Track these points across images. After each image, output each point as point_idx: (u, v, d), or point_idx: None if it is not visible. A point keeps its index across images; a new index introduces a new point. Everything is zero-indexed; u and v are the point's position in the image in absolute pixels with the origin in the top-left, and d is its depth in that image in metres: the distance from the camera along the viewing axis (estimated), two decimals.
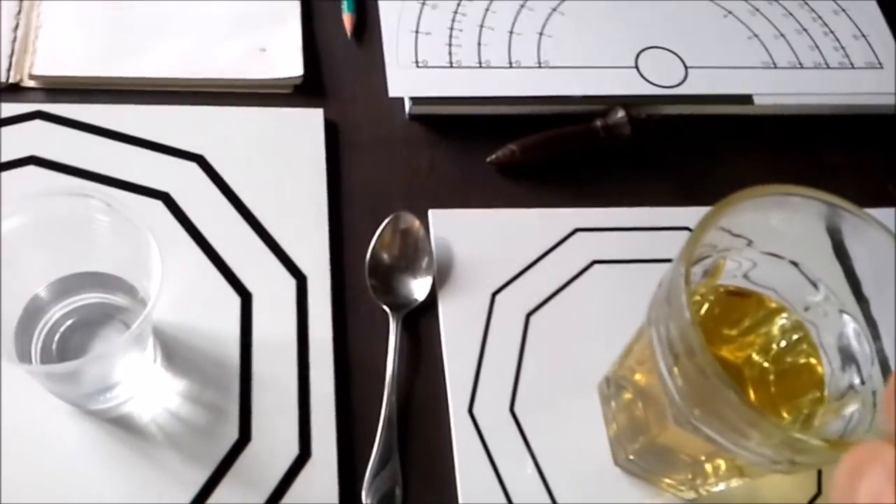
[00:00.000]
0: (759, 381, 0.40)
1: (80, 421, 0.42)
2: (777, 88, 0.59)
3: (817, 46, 0.61)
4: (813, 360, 0.39)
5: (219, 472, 0.42)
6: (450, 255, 0.50)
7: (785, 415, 0.39)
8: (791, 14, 0.63)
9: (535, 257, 0.51)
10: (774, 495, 0.44)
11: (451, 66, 0.56)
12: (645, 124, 0.56)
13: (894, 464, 0.19)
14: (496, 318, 0.48)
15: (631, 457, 0.43)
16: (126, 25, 0.55)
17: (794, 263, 0.39)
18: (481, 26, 0.58)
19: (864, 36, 0.62)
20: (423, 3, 0.59)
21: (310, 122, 0.53)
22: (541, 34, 0.59)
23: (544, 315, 0.49)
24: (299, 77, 0.55)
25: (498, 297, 0.49)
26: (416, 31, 0.58)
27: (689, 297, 0.33)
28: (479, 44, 0.58)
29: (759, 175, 0.56)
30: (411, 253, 0.49)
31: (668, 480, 0.43)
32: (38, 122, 0.51)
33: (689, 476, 0.42)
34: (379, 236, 0.49)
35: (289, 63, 0.55)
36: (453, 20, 0.59)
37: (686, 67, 0.59)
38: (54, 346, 0.42)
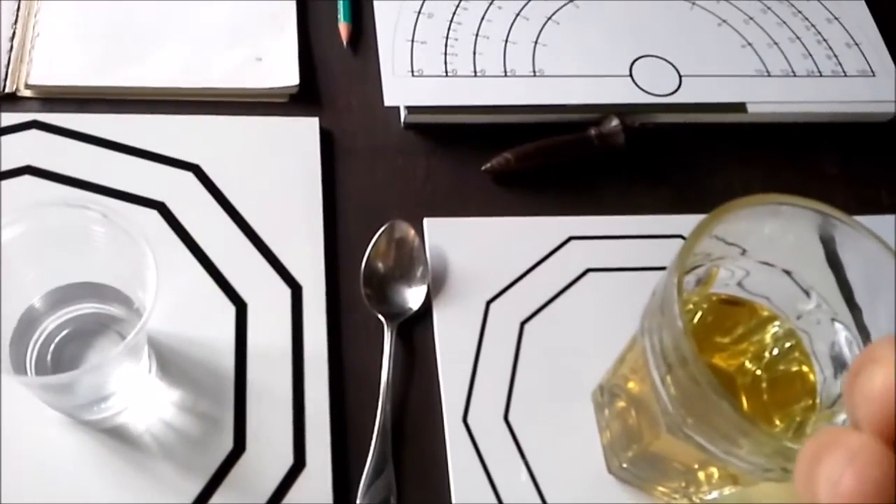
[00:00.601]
0: (751, 389, 0.40)
1: (75, 431, 0.42)
2: (770, 96, 0.59)
3: (810, 55, 0.62)
4: (805, 368, 0.39)
5: (213, 483, 0.42)
6: (445, 264, 0.50)
7: (777, 422, 0.39)
8: (785, 22, 0.63)
9: (529, 265, 0.51)
10: (768, 503, 0.44)
11: (447, 76, 0.56)
12: (639, 133, 0.56)
13: (854, 448, 0.19)
14: (490, 326, 0.48)
15: (624, 465, 0.43)
16: (122, 35, 0.55)
17: (787, 272, 0.39)
18: (476, 35, 0.59)
19: (856, 44, 0.63)
20: (419, 13, 0.59)
21: (305, 130, 0.53)
22: (536, 43, 0.59)
23: (539, 323, 0.49)
24: (295, 86, 0.55)
25: (492, 306, 0.49)
26: (412, 41, 0.58)
27: (681, 307, 0.33)
28: (475, 53, 0.58)
29: (752, 183, 0.57)
30: (406, 262, 0.49)
31: (661, 488, 0.43)
32: (34, 132, 0.51)
33: (683, 484, 0.42)
34: (374, 245, 0.49)
35: (285, 72, 0.55)
36: (449, 29, 0.59)
37: (680, 76, 0.59)
38: (49, 356, 0.42)
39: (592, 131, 0.55)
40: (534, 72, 0.57)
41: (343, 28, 0.59)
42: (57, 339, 0.43)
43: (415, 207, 0.52)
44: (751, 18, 0.63)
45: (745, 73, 0.60)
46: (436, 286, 0.49)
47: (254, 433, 0.43)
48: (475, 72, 0.57)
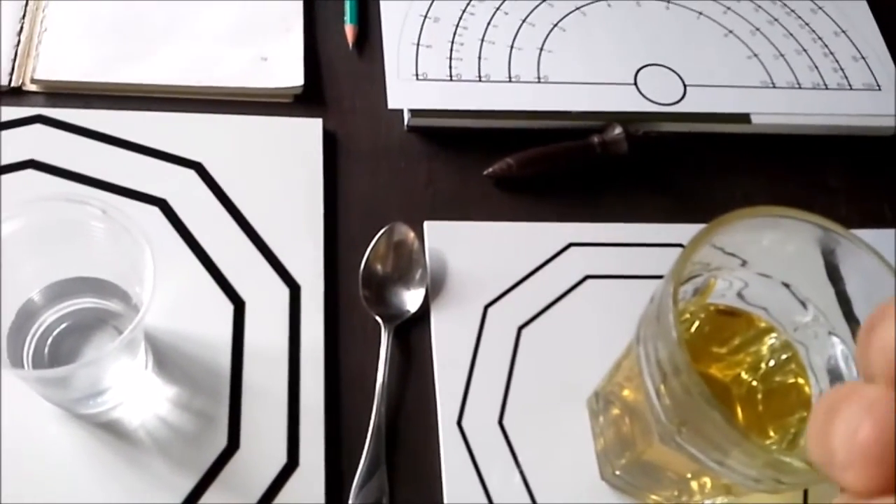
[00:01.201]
0: (746, 400, 0.40)
1: (70, 425, 0.42)
2: (775, 108, 0.59)
3: (816, 67, 0.61)
4: (801, 381, 0.39)
5: (206, 479, 0.42)
6: (444, 267, 0.50)
7: (772, 434, 0.39)
8: (791, 35, 0.63)
9: (528, 271, 0.51)
10: None
11: (451, 80, 0.57)
12: (642, 141, 0.56)
13: (871, 398, 0.18)
14: (488, 330, 0.48)
15: (617, 472, 0.43)
16: (128, 32, 0.55)
17: (786, 284, 0.39)
18: (482, 40, 0.59)
19: (863, 58, 0.63)
20: (425, 17, 0.59)
21: (309, 131, 0.54)
22: (541, 49, 0.59)
23: (536, 329, 0.49)
24: (300, 87, 0.55)
25: (490, 310, 0.49)
26: (418, 44, 0.58)
27: (676, 316, 0.33)
28: (480, 58, 0.58)
29: (755, 194, 0.57)
30: (405, 264, 0.49)
31: (654, 497, 0.43)
32: (38, 126, 0.51)
33: (675, 493, 0.42)
34: (373, 247, 0.49)
35: (289, 73, 0.56)
36: (454, 34, 0.59)
37: (685, 85, 0.59)
38: (46, 350, 0.42)
39: (595, 139, 0.55)
40: (538, 78, 0.58)
41: (349, 30, 0.59)
42: (54, 333, 0.43)
43: (415, 210, 0.52)
44: (757, 30, 0.63)
45: (750, 85, 0.60)
46: (434, 289, 0.49)
47: (248, 431, 0.43)
48: (480, 76, 0.57)
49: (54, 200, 0.39)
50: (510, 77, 0.57)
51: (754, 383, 0.40)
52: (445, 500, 0.43)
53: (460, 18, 0.60)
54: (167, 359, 0.45)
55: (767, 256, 0.38)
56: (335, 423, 0.45)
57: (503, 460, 0.45)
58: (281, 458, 0.43)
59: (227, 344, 0.46)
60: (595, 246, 0.52)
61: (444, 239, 0.51)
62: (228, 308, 0.47)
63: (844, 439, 0.18)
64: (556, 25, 0.60)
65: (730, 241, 0.37)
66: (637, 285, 0.50)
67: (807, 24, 0.64)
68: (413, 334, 0.48)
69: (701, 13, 0.63)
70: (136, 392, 0.44)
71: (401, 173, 0.54)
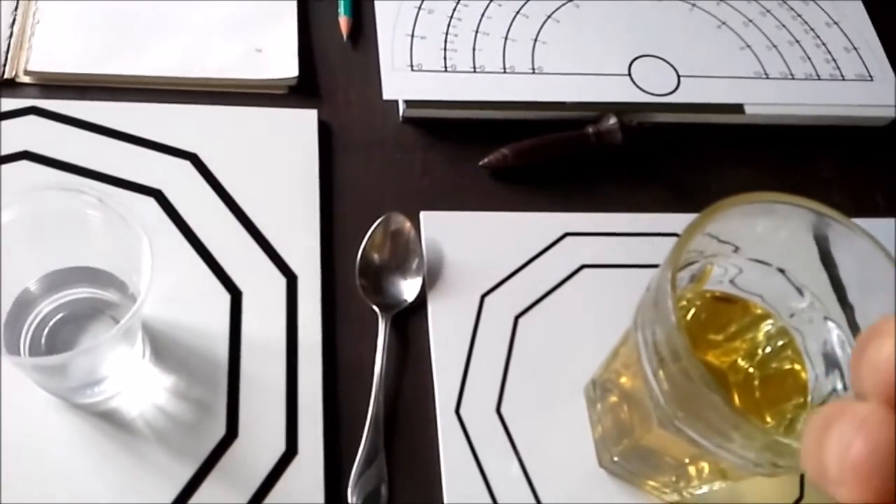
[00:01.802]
0: (743, 386, 0.40)
1: (67, 414, 0.42)
2: (768, 98, 0.59)
3: (809, 58, 0.62)
4: (797, 366, 0.40)
5: (204, 468, 0.42)
6: (440, 257, 0.50)
7: (769, 419, 0.39)
8: (784, 26, 0.63)
9: (524, 260, 0.51)
10: (757, 498, 0.45)
11: (446, 71, 0.57)
12: (636, 131, 0.56)
13: (863, 415, 0.19)
14: (485, 319, 0.48)
15: (615, 458, 0.43)
16: (122, 24, 0.55)
17: (781, 270, 0.39)
18: (476, 31, 0.59)
19: (855, 49, 0.63)
20: (419, 8, 0.59)
21: (304, 122, 0.54)
22: (535, 40, 0.59)
23: (533, 317, 0.49)
24: (294, 78, 0.55)
25: (487, 299, 0.49)
26: (412, 35, 0.58)
27: (675, 302, 0.33)
28: (474, 49, 0.58)
29: (748, 183, 0.57)
30: (402, 254, 0.49)
31: (651, 483, 0.44)
32: (32, 118, 0.51)
33: (673, 478, 0.42)
34: (370, 237, 0.49)
35: (284, 64, 0.55)
36: (449, 25, 0.59)
37: (679, 76, 0.59)
38: (43, 339, 0.42)
39: (590, 129, 0.56)
40: (533, 69, 0.58)
41: (343, 21, 0.59)
42: (51, 323, 0.43)
43: (411, 201, 0.52)
44: (750, 21, 0.63)
45: (743, 75, 0.60)
46: (431, 279, 0.49)
47: (246, 420, 0.43)
48: (474, 67, 0.57)
49: (50, 190, 0.39)
50: (505, 68, 0.57)
51: (751, 370, 0.41)
52: (444, 488, 0.43)
53: (454, 10, 0.60)
54: (164, 348, 0.45)
55: (762, 243, 0.39)
56: (333, 411, 0.45)
57: (501, 448, 0.45)
58: (279, 447, 0.43)
59: (225, 333, 0.45)
60: (590, 235, 0.52)
61: (440, 229, 0.51)
62: (225, 298, 0.47)
63: (837, 455, 0.19)
64: (550, 17, 0.61)
65: (724, 228, 0.37)
66: (632, 274, 0.51)
67: (799, 16, 0.64)
68: (410, 323, 0.48)
69: (694, 5, 0.63)
70: (133, 381, 0.43)
71: (396, 164, 0.54)
